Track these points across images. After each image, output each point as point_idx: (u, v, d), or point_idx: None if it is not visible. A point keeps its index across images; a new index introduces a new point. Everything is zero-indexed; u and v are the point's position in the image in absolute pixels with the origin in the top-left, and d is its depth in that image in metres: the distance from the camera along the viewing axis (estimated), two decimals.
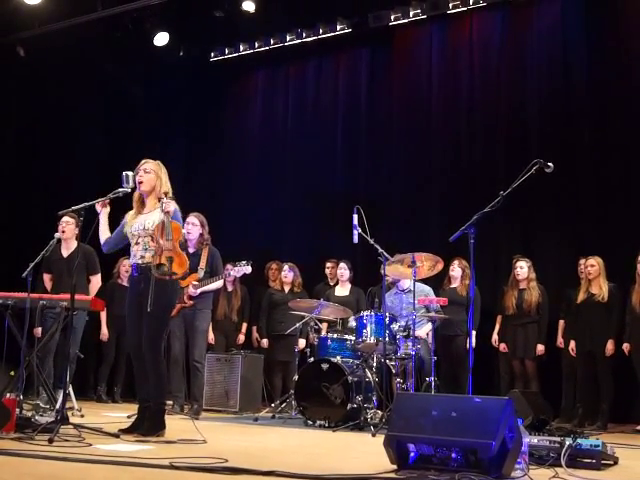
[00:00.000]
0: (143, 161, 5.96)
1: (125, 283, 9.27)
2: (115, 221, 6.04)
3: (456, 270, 8.85)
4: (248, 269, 8.00)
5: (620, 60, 9.28)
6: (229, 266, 8.71)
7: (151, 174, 5.88)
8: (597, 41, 9.51)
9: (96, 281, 8.13)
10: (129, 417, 6.45)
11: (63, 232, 7.89)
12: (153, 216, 5.82)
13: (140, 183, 5.85)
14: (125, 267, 9.55)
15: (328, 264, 9.93)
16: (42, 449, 4.59)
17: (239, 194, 11.80)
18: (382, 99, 11.08)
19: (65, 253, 8.08)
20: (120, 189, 5.83)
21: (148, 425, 5.65)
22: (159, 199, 5.79)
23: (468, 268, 8.63)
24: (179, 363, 8.05)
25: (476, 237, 5.49)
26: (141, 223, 5.85)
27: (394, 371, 7.68)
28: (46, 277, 8.15)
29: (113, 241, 6.06)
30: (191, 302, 7.90)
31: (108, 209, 6.05)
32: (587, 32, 9.59)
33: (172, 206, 5.71)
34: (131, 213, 5.98)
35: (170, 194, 5.82)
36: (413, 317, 7.47)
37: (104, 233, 6.06)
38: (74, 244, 7.99)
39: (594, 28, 9.55)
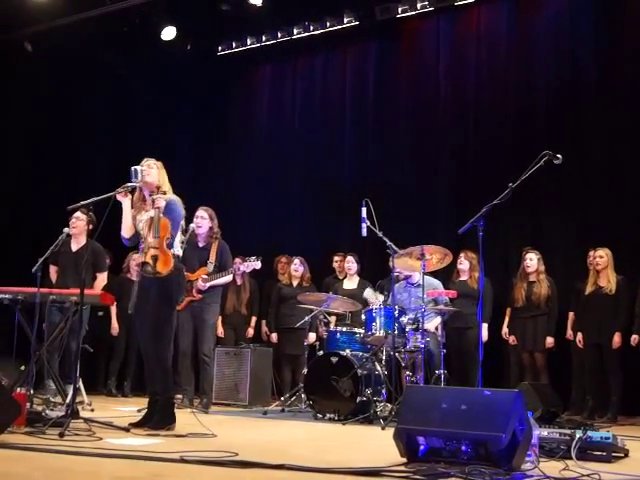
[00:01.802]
0: (146, 159, 6.00)
1: (135, 278, 9.28)
2: (118, 218, 6.02)
3: (464, 263, 8.82)
4: (258, 264, 8.01)
5: (629, 47, 9.22)
6: (238, 260, 8.71)
7: (154, 169, 5.92)
8: (605, 29, 9.44)
9: (102, 278, 8.12)
10: (139, 411, 6.47)
11: (74, 227, 7.92)
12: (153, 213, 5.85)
13: (144, 175, 5.87)
14: (135, 261, 9.56)
15: (336, 257, 9.93)
16: (53, 443, 4.61)
17: (247, 188, 11.79)
18: (390, 92, 11.05)
19: (74, 248, 8.09)
20: (129, 184, 5.85)
21: (157, 419, 5.68)
22: (151, 193, 5.81)
23: (475, 260, 8.62)
24: (187, 357, 8.06)
25: (485, 229, 5.49)
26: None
27: (403, 364, 7.69)
28: (52, 269, 8.12)
29: (135, 237, 6.03)
30: (200, 296, 7.90)
31: (129, 198, 5.95)
32: (595, 20, 9.52)
33: (162, 202, 5.73)
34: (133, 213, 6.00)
35: (164, 189, 5.85)
36: (422, 310, 7.46)
37: (128, 225, 5.95)
38: (84, 240, 8.02)
39: (602, 15, 9.48)
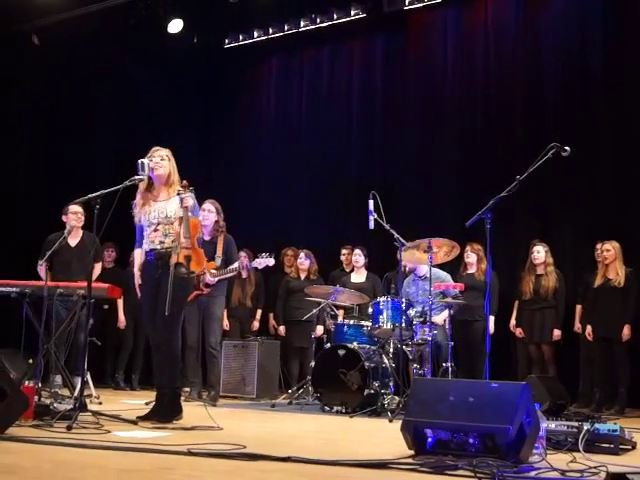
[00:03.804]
0: (155, 148, 5.96)
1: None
2: (124, 211, 6.01)
3: (471, 256, 8.81)
4: (271, 261, 8.00)
5: (638, 40, 9.17)
6: (242, 254, 8.71)
7: (165, 161, 5.90)
8: (614, 21, 9.41)
9: (98, 267, 8.17)
10: (147, 404, 6.48)
11: (79, 221, 7.95)
12: (172, 204, 5.81)
13: (155, 169, 5.85)
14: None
15: (343, 251, 9.92)
16: (60, 436, 4.62)
17: (254, 180, 11.79)
18: (397, 84, 11.04)
19: (72, 242, 8.08)
20: (136, 177, 5.82)
21: (165, 411, 5.68)
22: (179, 192, 5.77)
23: (482, 252, 8.61)
24: (194, 350, 8.07)
25: (493, 222, 5.48)
26: (161, 211, 5.84)
27: (411, 357, 7.68)
28: (42, 267, 7.95)
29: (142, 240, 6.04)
30: (208, 290, 7.89)
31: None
32: (604, 12, 9.49)
33: (191, 201, 5.73)
34: (138, 203, 5.98)
35: (174, 179, 5.86)
36: (430, 303, 7.45)
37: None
38: (80, 233, 8.05)
39: (611, 8, 9.45)
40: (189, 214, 5.71)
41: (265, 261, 7.98)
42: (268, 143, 11.98)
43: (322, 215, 10.92)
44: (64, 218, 8.08)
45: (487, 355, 5.55)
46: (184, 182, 5.85)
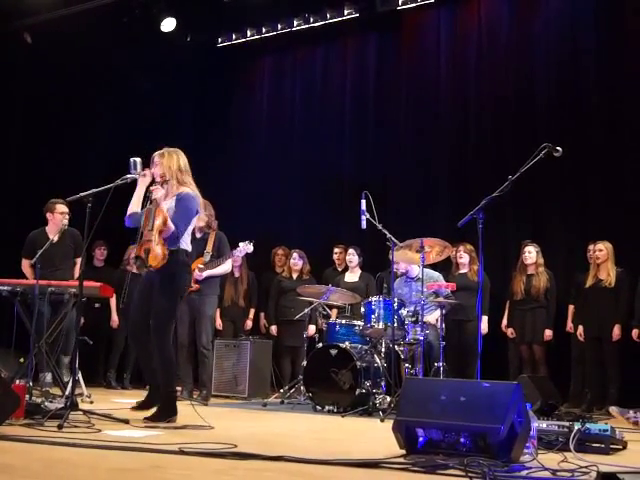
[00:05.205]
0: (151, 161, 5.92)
1: (135, 270, 9.25)
2: (115, 210, 5.98)
3: (464, 257, 8.82)
4: (250, 248, 7.97)
5: (630, 42, 9.20)
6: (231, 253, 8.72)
7: (158, 169, 5.84)
8: (606, 23, 9.43)
9: (79, 262, 8.12)
10: (137, 403, 6.46)
11: (67, 219, 7.94)
12: (167, 204, 5.79)
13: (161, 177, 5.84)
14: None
15: (336, 249, 9.91)
16: (51, 435, 4.60)
17: (246, 179, 11.79)
18: (390, 84, 11.04)
19: (55, 238, 8.05)
20: (128, 175, 5.79)
21: (157, 411, 5.66)
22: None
23: (474, 252, 8.63)
24: (185, 348, 8.06)
25: (484, 222, 5.48)
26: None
27: (402, 356, 7.69)
28: (25, 262, 7.96)
29: (139, 217, 5.90)
30: (197, 286, 7.88)
31: (149, 180, 5.84)
32: (596, 14, 9.52)
33: (159, 192, 5.69)
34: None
35: (169, 176, 5.79)
36: (422, 303, 7.46)
37: (136, 205, 5.85)
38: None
39: (603, 10, 9.47)
40: (159, 206, 5.66)
41: (245, 248, 7.96)
42: (261, 142, 11.98)
43: (314, 214, 10.91)
44: (48, 215, 8.05)
45: (479, 355, 5.57)
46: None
